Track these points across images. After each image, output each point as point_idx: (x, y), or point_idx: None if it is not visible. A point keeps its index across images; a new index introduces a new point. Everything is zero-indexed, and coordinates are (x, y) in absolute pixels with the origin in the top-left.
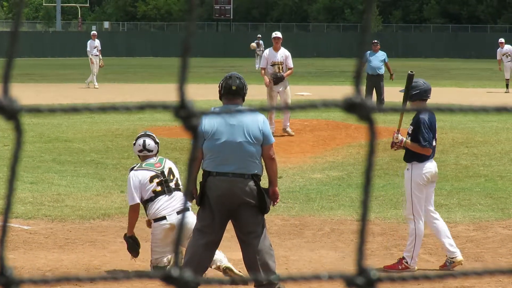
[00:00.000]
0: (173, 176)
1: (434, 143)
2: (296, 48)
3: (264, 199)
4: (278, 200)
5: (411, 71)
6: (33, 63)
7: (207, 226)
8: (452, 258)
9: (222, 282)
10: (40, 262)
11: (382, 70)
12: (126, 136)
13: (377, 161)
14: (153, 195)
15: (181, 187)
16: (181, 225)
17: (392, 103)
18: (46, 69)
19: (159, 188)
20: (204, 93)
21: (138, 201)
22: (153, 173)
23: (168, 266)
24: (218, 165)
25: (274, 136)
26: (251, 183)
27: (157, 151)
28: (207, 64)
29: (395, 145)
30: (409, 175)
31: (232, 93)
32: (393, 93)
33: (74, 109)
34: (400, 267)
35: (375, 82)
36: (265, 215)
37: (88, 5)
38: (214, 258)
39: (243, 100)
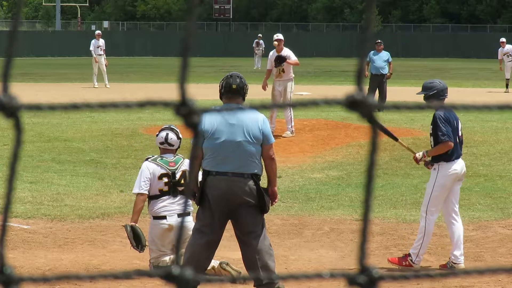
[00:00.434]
0: (184, 181)
1: (457, 140)
2: (295, 47)
3: (264, 199)
4: (277, 200)
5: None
6: (33, 62)
7: (207, 225)
8: (456, 264)
9: (223, 280)
10: (39, 262)
11: (386, 70)
12: (125, 136)
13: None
14: (158, 193)
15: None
16: (181, 227)
17: (394, 102)
18: (46, 68)
19: (166, 188)
20: (203, 93)
21: (145, 191)
22: (164, 171)
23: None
24: (217, 164)
25: (274, 136)
26: (251, 183)
27: (178, 147)
28: (206, 64)
29: (420, 160)
30: (434, 174)
31: (233, 92)
32: (396, 93)
33: (74, 107)
34: (404, 263)
35: (379, 81)
36: (265, 215)
37: (87, 4)
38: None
39: (244, 99)
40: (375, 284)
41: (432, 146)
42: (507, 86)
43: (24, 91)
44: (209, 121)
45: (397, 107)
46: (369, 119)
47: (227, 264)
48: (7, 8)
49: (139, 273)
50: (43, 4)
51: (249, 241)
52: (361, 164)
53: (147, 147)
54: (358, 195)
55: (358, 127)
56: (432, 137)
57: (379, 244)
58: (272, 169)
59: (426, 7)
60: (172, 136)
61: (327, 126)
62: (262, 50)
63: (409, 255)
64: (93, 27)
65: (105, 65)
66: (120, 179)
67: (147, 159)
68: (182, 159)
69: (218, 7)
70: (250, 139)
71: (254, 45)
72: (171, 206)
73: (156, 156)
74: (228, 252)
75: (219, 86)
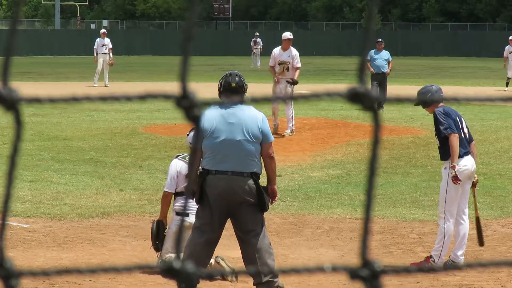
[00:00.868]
0: None
1: (463, 135)
2: (295, 46)
3: (263, 198)
4: (276, 199)
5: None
6: (32, 61)
7: (206, 224)
8: (455, 263)
9: (224, 274)
10: (39, 261)
11: (386, 69)
12: (125, 135)
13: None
14: (184, 190)
15: None
16: (181, 227)
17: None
18: (45, 67)
19: None
20: (203, 91)
21: (172, 190)
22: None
23: None
24: (217, 163)
25: (274, 134)
26: (250, 182)
27: None
28: (206, 63)
29: (456, 176)
30: (446, 174)
31: (232, 91)
32: (395, 92)
33: (74, 99)
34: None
35: (380, 80)
36: (264, 214)
37: (87, 3)
38: None
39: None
40: (378, 278)
41: (438, 145)
42: (507, 84)
43: (23, 90)
44: (208, 120)
45: (400, 99)
46: (372, 111)
47: (222, 259)
48: (6, 7)
49: (140, 267)
50: (43, 3)
51: (249, 240)
52: (360, 163)
53: (147, 146)
54: (357, 194)
55: (358, 126)
56: (436, 136)
57: (378, 243)
58: (271, 168)
59: (425, 6)
60: None
61: (327, 125)
62: (260, 48)
63: (430, 257)
64: (92, 26)
65: (110, 64)
66: (120, 178)
67: (176, 157)
68: None
69: (217, 6)
70: (249, 138)
71: (251, 44)
72: (195, 205)
73: (185, 154)
74: (228, 250)
75: (218, 84)
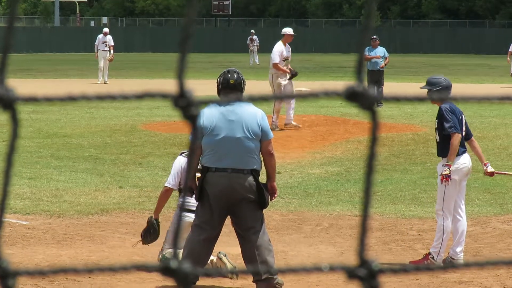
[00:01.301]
0: None
1: (462, 134)
2: (294, 43)
3: (263, 194)
4: (276, 195)
5: None
6: (31, 58)
7: (206, 222)
8: (454, 259)
9: (221, 273)
10: (38, 258)
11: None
12: (124, 132)
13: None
14: (182, 187)
15: None
16: (180, 222)
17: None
18: (44, 64)
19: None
20: (202, 89)
21: (173, 186)
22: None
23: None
24: (217, 160)
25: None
26: (250, 179)
27: None
28: (205, 60)
29: (449, 175)
30: (443, 170)
31: (231, 87)
32: (394, 89)
33: (71, 98)
34: (425, 263)
35: (376, 77)
36: (264, 210)
37: (86, 0)
38: None
39: (241, 95)
40: (375, 277)
41: (438, 140)
42: None
43: (22, 88)
44: (208, 118)
45: (397, 98)
46: (369, 111)
47: (225, 255)
48: (5, 4)
49: (137, 267)
50: (42, 0)
51: (249, 237)
52: (360, 160)
53: (146, 143)
54: (357, 191)
55: (357, 123)
56: (437, 131)
57: (378, 240)
58: (271, 165)
59: (424, 3)
60: None
61: (326, 122)
62: (257, 45)
63: (429, 254)
64: (92, 23)
65: (109, 60)
66: (119, 175)
67: (181, 154)
68: None
69: (217, 3)
70: (249, 135)
71: (248, 42)
72: (194, 203)
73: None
74: (228, 247)
75: (217, 82)
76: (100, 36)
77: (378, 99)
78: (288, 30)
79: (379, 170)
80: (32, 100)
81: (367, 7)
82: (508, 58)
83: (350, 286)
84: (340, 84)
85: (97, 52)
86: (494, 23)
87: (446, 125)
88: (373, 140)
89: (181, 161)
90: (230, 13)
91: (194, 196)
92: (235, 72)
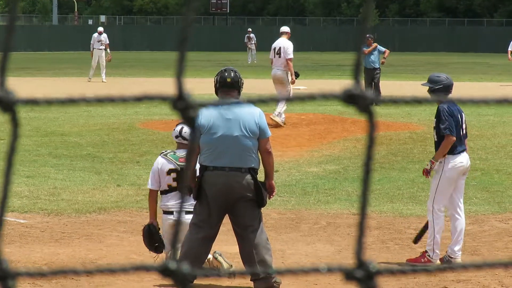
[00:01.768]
0: None
1: (462, 133)
2: (292, 42)
3: (261, 193)
4: (274, 194)
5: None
6: (30, 57)
7: (204, 220)
8: (452, 258)
9: (219, 274)
10: (36, 256)
11: (378, 64)
12: (122, 130)
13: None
14: (167, 188)
15: None
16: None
17: (390, 96)
18: (43, 63)
19: (174, 184)
20: (200, 87)
21: (154, 187)
22: (172, 167)
23: None
24: (214, 159)
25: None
26: (248, 177)
27: None
28: (203, 58)
29: (431, 170)
30: (441, 167)
31: (228, 86)
32: (392, 87)
33: (71, 100)
34: (422, 260)
35: (372, 76)
36: (262, 209)
37: None
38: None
39: (239, 93)
40: (373, 279)
41: (435, 139)
42: None
43: (21, 86)
44: (205, 116)
45: (395, 100)
46: (367, 113)
47: (220, 254)
48: (4, 2)
49: (136, 267)
50: None
51: (247, 236)
52: (358, 158)
53: (144, 141)
54: (355, 189)
55: (355, 121)
56: (435, 130)
57: (375, 238)
58: (269, 163)
59: (423, 1)
60: (186, 130)
61: (324, 120)
62: (254, 43)
63: (426, 251)
64: (90, 22)
65: (106, 60)
66: (117, 173)
67: (160, 154)
68: None
69: (215, 1)
70: (246, 134)
71: (245, 40)
72: (179, 202)
73: (169, 151)
74: (225, 246)
75: (214, 81)
76: (95, 35)
77: (376, 102)
78: (288, 29)
79: (377, 169)
80: (32, 102)
81: (364, 8)
82: (509, 56)
83: (347, 285)
84: (339, 82)
85: (93, 50)
86: (492, 22)
87: (441, 126)
88: (370, 142)
89: (158, 162)
90: (228, 11)
91: (192, 195)
92: (232, 70)
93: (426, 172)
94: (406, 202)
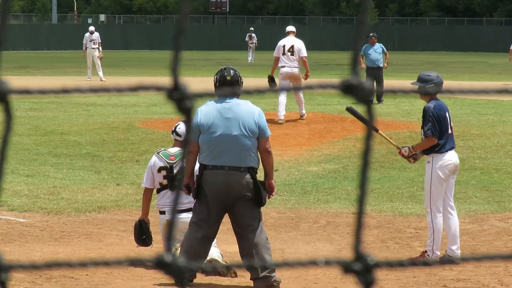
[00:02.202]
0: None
1: (449, 131)
2: None
3: (261, 192)
4: (274, 193)
5: (348, 106)
6: (29, 56)
7: (203, 219)
8: (451, 257)
9: (216, 269)
10: (35, 255)
11: (381, 63)
12: (122, 129)
13: (372, 154)
14: (159, 186)
15: None
16: (172, 223)
17: (391, 87)
18: (42, 62)
19: (165, 182)
20: (200, 86)
21: (147, 185)
22: (162, 164)
23: None
24: (214, 158)
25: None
26: (247, 176)
27: None
28: (203, 57)
29: (410, 158)
30: (430, 167)
31: (228, 84)
32: (391, 85)
33: (64, 91)
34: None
35: (375, 74)
36: (261, 208)
37: None
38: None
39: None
40: (371, 272)
41: (423, 138)
42: None
43: (20, 84)
44: (205, 115)
45: (394, 91)
46: (365, 104)
47: (216, 261)
48: None
49: (131, 261)
50: None
51: (246, 235)
52: (357, 157)
53: (144, 141)
54: (354, 188)
55: (355, 121)
56: (422, 129)
57: (375, 237)
58: (268, 162)
59: (422, 1)
60: (181, 126)
61: (324, 120)
62: (255, 43)
63: (425, 251)
64: (89, 21)
65: (99, 58)
66: (117, 172)
67: (156, 152)
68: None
69: (214, 0)
70: (246, 133)
71: (246, 39)
72: (170, 201)
73: (163, 149)
74: (225, 245)
75: (214, 79)
76: (87, 34)
77: (379, 94)
78: (294, 28)
79: (376, 168)
80: (25, 92)
81: (362, 2)
82: (510, 57)
83: (347, 282)
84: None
85: (85, 50)
86: (492, 21)
87: (425, 127)
88: (369, 133)
89: (151, 160)
90: (227, 10)
91: (191, 194)
92: (232, 69)
93: (402, 155)
94: (405, 201)
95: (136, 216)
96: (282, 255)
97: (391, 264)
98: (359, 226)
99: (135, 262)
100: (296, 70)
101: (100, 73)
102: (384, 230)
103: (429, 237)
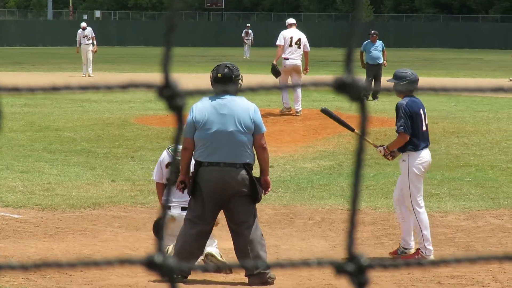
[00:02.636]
0: None
1: (424, 129)
2: None
3: (256, 188)
4: (269, 189)
5: (322, 107)
6: (24, 51)
7: (198, 216)
8: (407, 249)
9: (207, 269)
10: (30, 251)
11: (381, 60)
12: (117, 125)
13: (367, 150)
14: (166, 182)
15: None
16: (164, 221)
17: (386, 86)
18: (37, 58)
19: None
20: (195, 82)
21: (157, 179)
22: (170, 160)
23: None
24: (209, 155)
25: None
26: (243, 172)
27: None
28: (198, 54)
29: (388, 156)
30: (406, 166)
31: (219, 81)
32: (387, 82)
33: (54, 88)
34: (416, 257)
35: (375, 71)
36: (256, 205)
37: None
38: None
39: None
40: (364, 272)
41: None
42: None
43: (15, 81)
44: (200, 112)
45: (388, 90)
46: (358, 102)
47: (213, 256)
48: None
49: (121, 261)
50: None
51: (241, 231)
52: (352, 154)
53: (139, 137)
54: (349, 185)
55: (350, 117)
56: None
57: (370, 234)
58: (264, 159)
59: None
60: None
61: (319, 116)
62: (251, 39)
63: (419, 249)
64: (85, 17)
65: (93, 52)
66: (112, 168)
67: (167, 148)
68: None
69: None
70: (241, 129)
71: (243, 35)
72: (176, 197)
73: (173, 145)
74: (220, 241)
75: (210, 76)
76: (80, 31)
77: (375, 92)
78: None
79: (371, 164)
80: (14, 90)
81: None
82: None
83: (341, 280)
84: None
85: (79, 47)
86: (487, 18)
87: (397, 123)
88: (362, 132)
89: (162, 155)
90: (223, 7)
91: (187, 190)
92: (226, 66)
93: (382, 153)
94: None
95: (130, 212)
96: (277, 252)
97: (385, 266)
98: (352, 226)
99: (125, 263)
100: (299, 63)
101: (90, 69)
102: (379, 226)
103: (418, 234)
